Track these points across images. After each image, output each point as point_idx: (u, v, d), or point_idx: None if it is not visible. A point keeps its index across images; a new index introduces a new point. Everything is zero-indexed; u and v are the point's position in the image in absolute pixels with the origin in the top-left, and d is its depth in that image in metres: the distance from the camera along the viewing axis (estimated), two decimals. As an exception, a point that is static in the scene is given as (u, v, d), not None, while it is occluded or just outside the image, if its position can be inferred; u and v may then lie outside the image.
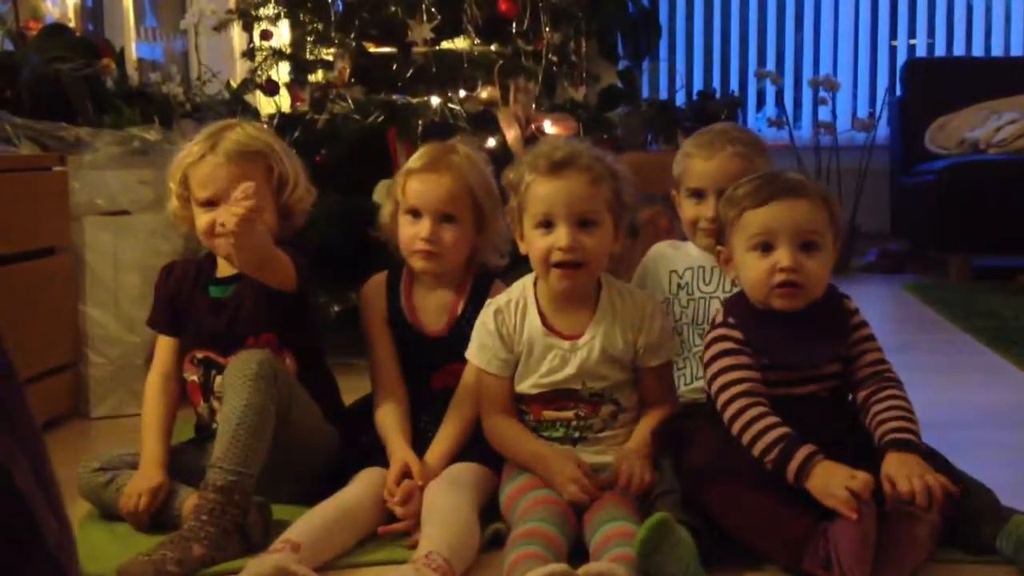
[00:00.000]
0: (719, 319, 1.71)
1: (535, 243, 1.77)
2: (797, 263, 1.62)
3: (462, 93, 3.12)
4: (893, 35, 5.99)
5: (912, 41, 6.00)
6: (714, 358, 1.65)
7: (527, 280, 1.86)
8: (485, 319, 1.84)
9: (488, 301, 1.87)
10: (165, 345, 1.96)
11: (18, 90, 2.89)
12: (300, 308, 1.91)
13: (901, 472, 1.50)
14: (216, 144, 1.86)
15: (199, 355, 1.92)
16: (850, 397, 1.70)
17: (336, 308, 2.94)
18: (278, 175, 1.91)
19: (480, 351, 1.84)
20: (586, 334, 1.79)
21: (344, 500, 1.70)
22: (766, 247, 1.64)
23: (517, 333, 1.81)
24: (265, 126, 2.01)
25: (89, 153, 2.71)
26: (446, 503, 1.66)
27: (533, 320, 1.81)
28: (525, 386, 1.82)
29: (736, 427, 1.58)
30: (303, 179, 1.96)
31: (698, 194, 1.97)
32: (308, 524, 1.61)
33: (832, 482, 1.48)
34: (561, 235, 1.74)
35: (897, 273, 5.27)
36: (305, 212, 1.99)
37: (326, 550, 1.61)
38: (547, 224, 1.76)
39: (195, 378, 1.93)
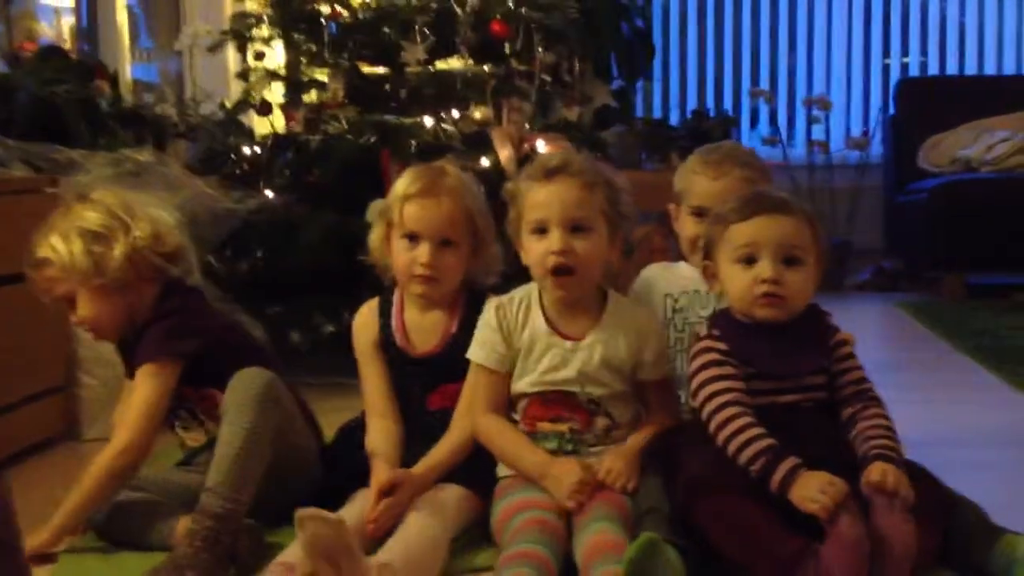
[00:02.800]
0: (703, 333, 1.73)
1: (531, 249, 1.80)
2: (779, 275, 1.65)
3: (455, 113, 3.13)
4: (886, 53, 6.03)
5: (905, 59, 6.03)
6: (699, 369, 1.67)
7: (533, 283, 1.87)
8: (486, 315, 1.85)
9: (490, 299, 1.88)
10: None
11: (12, 112, 2.90)
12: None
13: (876, 469, 1.53)
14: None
15: None
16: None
17: (330, 328, 2.95)
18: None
19: (479, 346, 1.84)
20: (588, 337, 1.81)
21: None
22: (750, 259, 1.67)
23: (518, 329, 1.83)
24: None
25: (82, 175, 2.71)
26: (420, 524, 1.66)
27: (536, 318, 1.83)
28: (523, 384, 1.82)
29: (722, 436, 1.59)
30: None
31: (700, 213, 1.96)
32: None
33: (811, 488, 1.49)
34: (554, 239, 1.76)
35: (891, 291, 5.28)
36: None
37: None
38: (542, 230, 1.78)
39: None
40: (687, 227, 2.00)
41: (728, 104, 6.07)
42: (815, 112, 5.73)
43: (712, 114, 5.78)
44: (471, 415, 1.86)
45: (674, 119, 5.86)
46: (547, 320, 1.83)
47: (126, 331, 1.92)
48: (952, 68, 5.97)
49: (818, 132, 5.75)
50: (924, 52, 6.00)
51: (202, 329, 1.90)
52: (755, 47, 6.08)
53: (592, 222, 1.78)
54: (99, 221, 1.89)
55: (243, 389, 1.73)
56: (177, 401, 1.92)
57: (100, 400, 2.65)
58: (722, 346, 1.68)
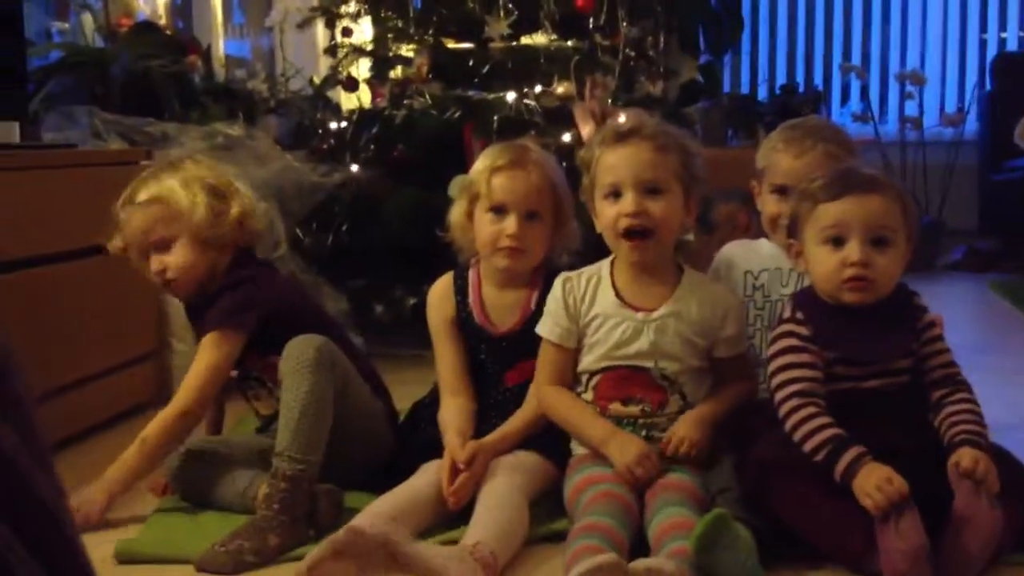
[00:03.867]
0: (786, 314, 1.71)
1: (604, 213, 1.80)
2: (868, 258, 1.62)
3: (538, 89, 3.14)
4: (983, 28, 5.85)
5: (1003, 34, 5.85)
6: (776, 355, 1.66)
7: (605, 260, 1.88)
8: (555, 289, 1.86)
9: (560, 273, 1.89)
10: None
11: (108, 87, 3.00)
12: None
13: (968, 455, 1.52)
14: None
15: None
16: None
17: (411, 301, 3.00)
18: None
19: (545, 319, 1.86)
20: (662, 308, 1.80)
21: (408, 490, 1.75)
22: (838, 241, 1.64)
23: (586, 303, 1.83)
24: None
25: (175, 148, 2.80)
26: (501, 487, 1.70)
27: (607, 292, 1.83)
28: (592, 359, 1.82)
29: (788, 424, 1.59)
30: None
31: (782, 191, 1.93)
32: (373, 514, 1.64)
33: (870, 481, 1.48)
34: (628, 201, 1.76)
35: (985, 272, 5.15)
36: None
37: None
38: (616, 194, 1.78)
39: None
40: (769, 205, 1.98)
41: (819, 79, 5.97)
42: (908, 88, 5.59)
43: (801, 89, 5.69)
44: (536, 388, 1.87)
45: (762, 95, 5.78)
46: (617, 293, 1.82)
47: (198, 292, 1.98)
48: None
49: (911, 108, 5.61)
50: (1023, 27, 5.82)
51: (269, 301, 1.95)
52: (847, 20, 5.95)
53: (666, 184, 1.78)
54: (221, 180, 1.99)
55: (295, 357, 1.78)
56: (244, 371, 1.99)
57: (190, 366, 2.73)
58: (804, 331, 1.66)
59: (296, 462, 1.72)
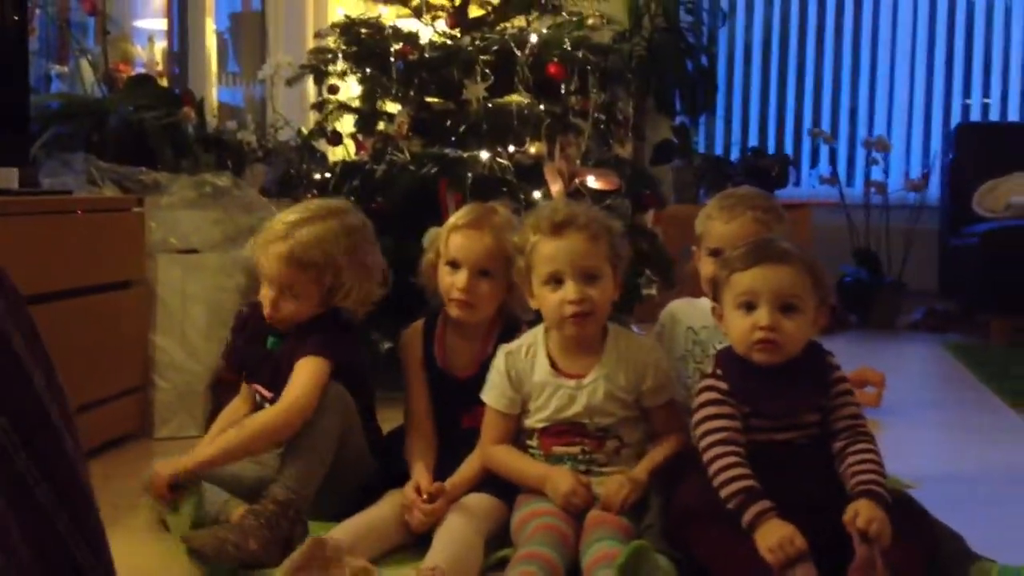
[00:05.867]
0: (710, 370, 1.87)
1: (546, 299, 1.96)
2: (775, 323, 1.76)
3: (511, 148, 3.30)
4: (948, 96, 6.08)
5: (967, 101, 6.08)
6: (700, 406, 1.81)
7: (539, 329, 2.05)
8: (497, 361, 2.03)
9: (501, 346, 2.06)
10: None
11: (105, 136, 3.17)
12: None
13: (864, 512, 1.65)
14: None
15: (254, 385, 2.18)
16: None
17: (387, 345, 3.14)
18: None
19: (490, 389, 2.03)
20: (591, 374, 1.97)
21: (371, 516, 1.91)
22: (749, 306, 1.79)
23: (527, 375, 2.00)
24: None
25: (166, 196, 2.97)
26: (456, 526, 1.86)
27: (543, 362, 2.00)
28: (536, 419, 2.00)
29: (710, 471, 1.74)
30: None
31: (716, 253, 2.09)
32: (340, 532, 1.81)
33: (772, 537, 1.62)
34: (570, 290, 1.93)
35: (942, 332, 5.32)
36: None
37: (351, 559, 1.80)
38: (556, 280, 1.95)
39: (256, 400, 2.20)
40: (706, 267, 2.13)
41: (789, 142, 6.18)
42: (874, 154, 5.78)
43: (771, 151, 5.90)
44: (482, 447, 2.04)
45: (735, 156, 5.99)
46: (552, 363, 2.00)
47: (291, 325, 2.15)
48: (1014, 111, 6.00)
49: (876, 173, 5.80)
50: (987, 94, 6.05)
51: (352, 351, 2.13)
52: (818, 88, 6.18)
53: (600, 269, 1.96)
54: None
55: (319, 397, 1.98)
56: (260, 402, 2.16)
57: (171, 403, 2.88)
58: (723, 385, 1.80)
59: (290, 491, 1.88)
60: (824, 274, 1.84)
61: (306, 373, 2.01)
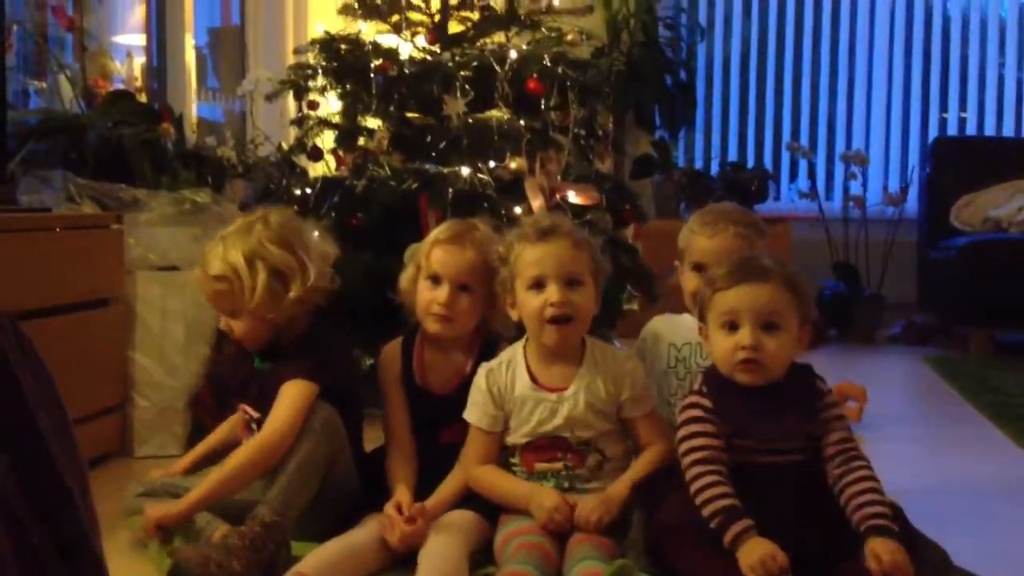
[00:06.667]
0: (695, 387, 1.87)
1: (529, 303, 1.97)
2: (758, 342, 1.77)
3: (492, 164, 3.30)
4: (925, 110, 6.13)
5: (945, 115, 6.13)
6: (684, 423, 1.82)
7: (517, 344, 2.05)
8: (478, 380, 2.03)
9: (481, 365, 2.06)
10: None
11: (83, 152, 3.15)
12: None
13: (885, 553, 1.64)
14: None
15: (242, 405, 2.18)
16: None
17: (368, 361, 3.13)
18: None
19: (472, 408, 2.03)
20: (571, 387, 1.98)
21: (351, 539, 1.90)
22: (732, 326, 1.80)
23: (508, 391, 2.00)
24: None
25: (145, 212, 2.95)
26: (440, 544, 1.85)
27: (523, 378, 2.00)
28: (517, 436, 2.00)
29: (692, 488, 1.75)
30: None
31: (699, 268, 2.11)
32: (317, 559, 1.80)
33: (754, 555, 1.63)
34: (553, 292, 1.94)
35: (921, 345, 5.35)
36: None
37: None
38: (539, 284, 1.96)
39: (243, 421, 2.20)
40: (689, 282, 2.15)
41: (769, 156, 6.21)
42: (852, 168, 5.81)
43: (750, 165, 5.92)
44: (464, 468, 2.04)
45: (715, 170, 6.01)
46: (532, 377, 2.00)
47: (268, 343, 2.14)
48: (990, 126, 6.06)
49: (855, 187, 5.83)
50: (964, 108, 6.10)
51: (339, 373, 2.12)
52: (796, 102, 6.21)
53: (583, 276, 1.97)
54: (284, 261, 2.08)
55: (305, 420, 1.97)
56: (248, 421, 2.15)
57: (151, 421, 2.86)
58: (707, 403, 1.81)
59: (276, 514, 1.87)
60: (808, 291, 1.85)
61: (288, 398, 2.00)
